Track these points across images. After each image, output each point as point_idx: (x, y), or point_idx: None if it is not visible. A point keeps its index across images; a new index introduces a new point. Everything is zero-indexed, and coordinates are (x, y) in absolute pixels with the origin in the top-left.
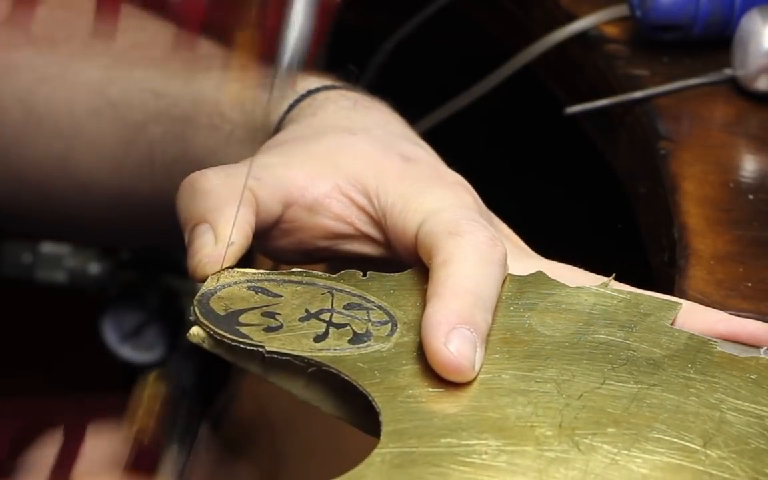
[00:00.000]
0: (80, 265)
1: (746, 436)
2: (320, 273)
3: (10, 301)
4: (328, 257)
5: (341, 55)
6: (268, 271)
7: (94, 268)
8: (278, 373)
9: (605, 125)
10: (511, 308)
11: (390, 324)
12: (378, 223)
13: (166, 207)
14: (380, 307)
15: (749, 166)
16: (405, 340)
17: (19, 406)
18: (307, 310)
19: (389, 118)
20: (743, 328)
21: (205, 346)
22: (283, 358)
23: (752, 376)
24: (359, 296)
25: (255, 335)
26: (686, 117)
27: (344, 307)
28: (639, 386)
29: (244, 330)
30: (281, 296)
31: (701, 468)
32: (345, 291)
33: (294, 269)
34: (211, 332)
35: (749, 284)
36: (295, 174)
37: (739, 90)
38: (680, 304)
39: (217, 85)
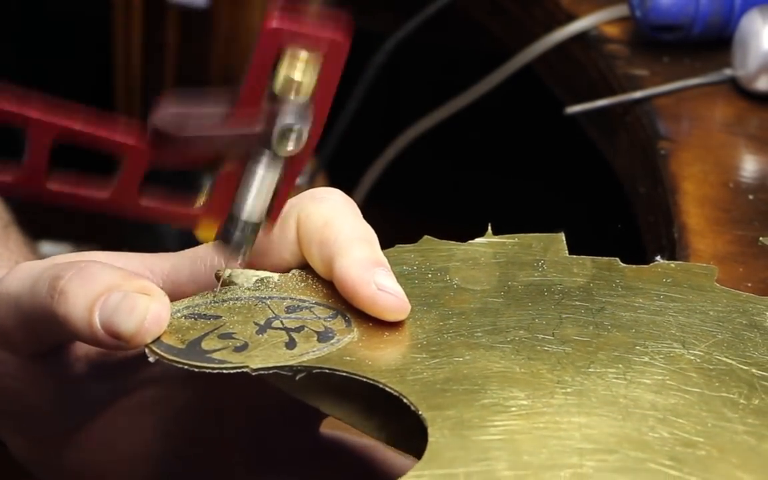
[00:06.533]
0: None
1: (708, 331)
2: (235, 287)
3: None
4: None
5: None
6: (186, 301)
7: None
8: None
9: (605, 125)
10: (429, 275)
11: (339, 315)
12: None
13: None
14: (317, 304)
15: (749, 166)
16: (365, 326)
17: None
18: (256, 323)
19: None
20: None
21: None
22: (271, 372)
23: (668, 280)
24: (290, 299)
25: (231, 357)
26: (686, 117)
27: (286, 312)
28: (591, 313)
29: (216, 356)
30: (220, 316)
31: (699, 368)
32: (273, 297)
33: (208, 292)
34: (188, 366)
35: (749, 284)
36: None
37: (739, 90)
38: (561, 233)
39: None
